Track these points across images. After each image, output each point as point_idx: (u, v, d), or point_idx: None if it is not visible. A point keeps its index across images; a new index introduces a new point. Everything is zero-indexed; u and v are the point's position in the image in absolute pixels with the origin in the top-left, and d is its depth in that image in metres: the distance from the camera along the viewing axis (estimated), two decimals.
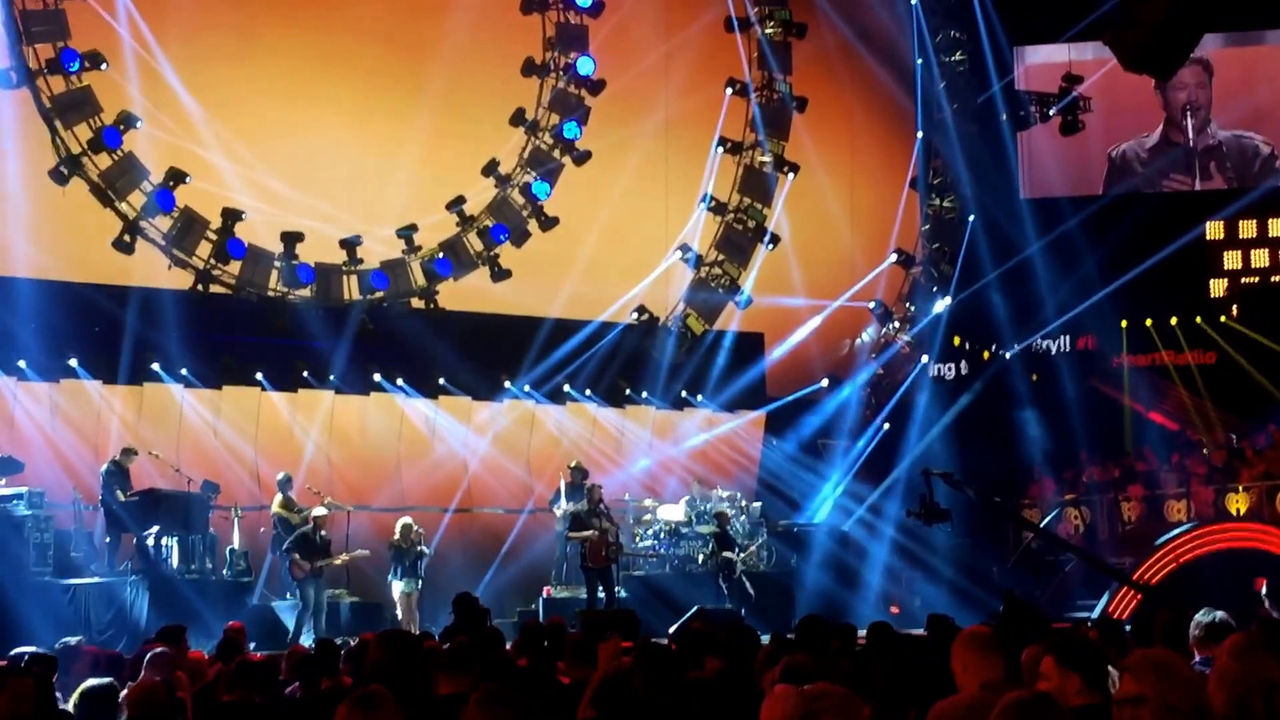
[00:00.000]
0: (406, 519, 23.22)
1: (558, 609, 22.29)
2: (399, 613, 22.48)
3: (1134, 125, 33.02)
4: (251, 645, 15.65)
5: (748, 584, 24.31)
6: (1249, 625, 9.36)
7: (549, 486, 25.97)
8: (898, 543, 27.14)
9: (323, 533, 22.01)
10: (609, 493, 25.28)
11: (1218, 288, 32.12)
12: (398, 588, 22.61)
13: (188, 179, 24.49)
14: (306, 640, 19.36)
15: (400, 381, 26.77)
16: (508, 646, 11.52)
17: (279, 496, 23.10)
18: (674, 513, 26.25)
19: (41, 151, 23.59)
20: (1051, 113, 30.93)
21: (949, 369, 31.50)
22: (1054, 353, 31.72)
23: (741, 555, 24.80)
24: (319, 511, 22.23)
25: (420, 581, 22.75)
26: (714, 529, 25.06)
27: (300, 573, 21.57)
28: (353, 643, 12.77)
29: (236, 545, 23.33)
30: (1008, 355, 31.40)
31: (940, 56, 31.52)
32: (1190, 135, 32.83)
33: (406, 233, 26.78)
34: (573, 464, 25.70)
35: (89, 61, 23.61)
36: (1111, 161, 33.09)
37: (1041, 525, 27.71)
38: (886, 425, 30.66)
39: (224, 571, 22.89)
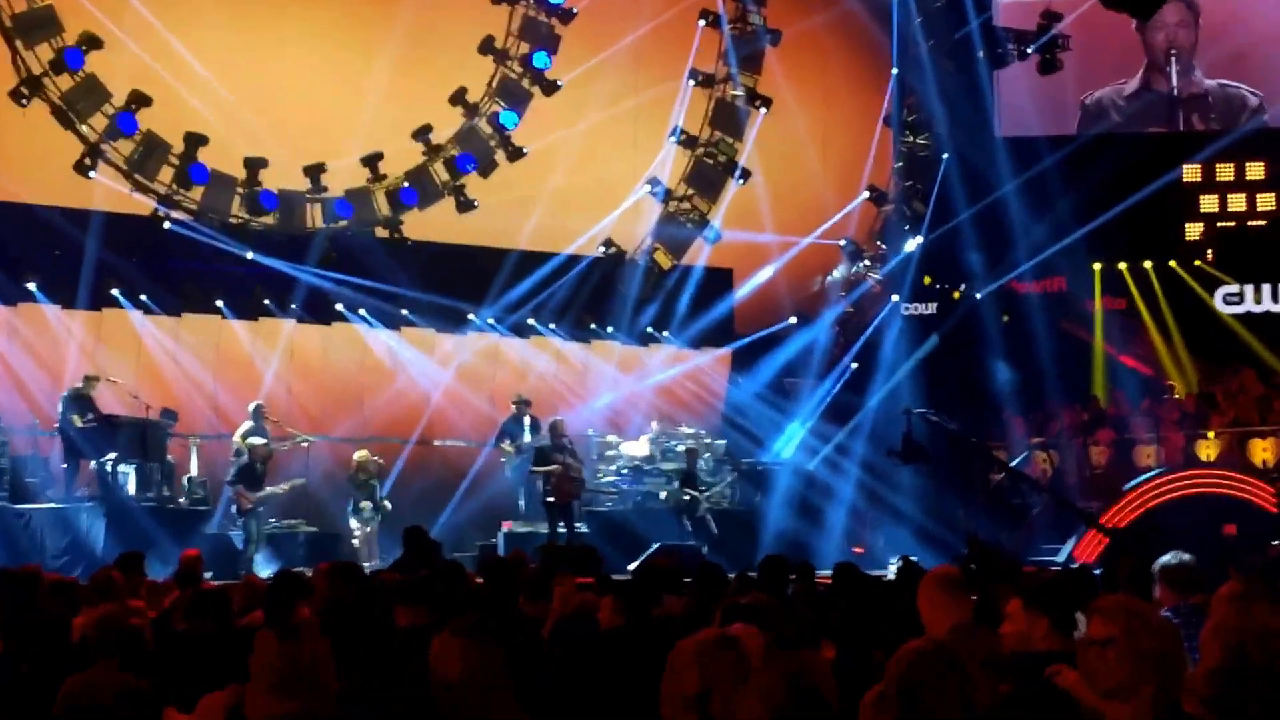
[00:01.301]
0: (362, 451, 23.09)
1: (518, 544, 22.08)
2: (356, 544, 22.30)
3: (1114, 67, 32.67)
4: (209, 574, 15.44)
5: (711, 521, 24.17)
6: (1224, 570, 9.28)
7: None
8: (863, 482, 27.01)
9: (259, 464, 21.75)
10: (572, 428, 25.09)
11: (1193, 231, 31.93)
12: (356, 520, 22.46)
13: (150, 102, 24.08)
14: (263, 571, 19.14)
15: (363, 312, 26.50)
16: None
17: (247, 424, 22.73)
18: (638, 449, 26.12)
19: (1, 71, 23.15)
20: (1029, 51, 30.69)
21: (920, 308, 31.29)
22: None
23: (707, 494, 24.64)
24: (257, 441, 21.93)
25: (380, 514, 22.60)
26: (680, 466, 24.92)
27: (247, 504, 21.31)
28: (309, 574, 12.60)
29: (195, 473, 23.25)
30: (978, 295, 31.19)
31: None
32: (1174, 81, 32.46)
33: (372, 161, 26.42)
34: (515, 398, 25.48)
35: None
36: (1086, 109, 32.74)
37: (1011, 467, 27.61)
38: (854, 365, 30.47)
39: (181, 500, 22.73)
